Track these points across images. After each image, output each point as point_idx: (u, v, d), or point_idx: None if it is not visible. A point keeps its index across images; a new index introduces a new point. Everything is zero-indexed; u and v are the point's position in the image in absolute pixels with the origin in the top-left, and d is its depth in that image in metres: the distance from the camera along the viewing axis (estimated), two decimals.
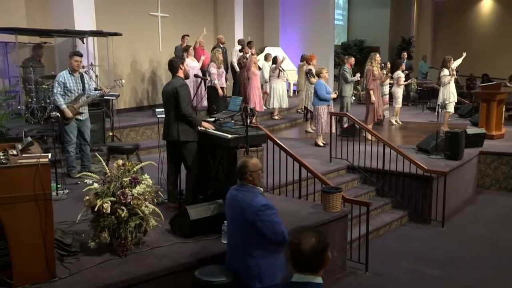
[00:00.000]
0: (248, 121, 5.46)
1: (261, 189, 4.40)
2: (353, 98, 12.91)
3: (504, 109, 11.66)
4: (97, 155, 5.06)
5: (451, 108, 11.62)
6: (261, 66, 13.31)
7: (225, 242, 4.93)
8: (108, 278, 4.19)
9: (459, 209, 8.60)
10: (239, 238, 4.16)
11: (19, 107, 9.12)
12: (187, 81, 6.04)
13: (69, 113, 7.18)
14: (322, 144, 10.00)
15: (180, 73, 5.86)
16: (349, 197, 6.42)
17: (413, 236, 7.43)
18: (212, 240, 5.04)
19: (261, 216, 3.98)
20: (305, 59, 12.03)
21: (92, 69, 10.30)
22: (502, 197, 9.34)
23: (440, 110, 10.64)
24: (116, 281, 4.17)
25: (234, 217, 4.21)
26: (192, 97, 6.34)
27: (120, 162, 4.79)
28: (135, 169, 4.75)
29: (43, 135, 8.33)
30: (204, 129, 5.85)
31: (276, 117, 12.98)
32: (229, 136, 5.49)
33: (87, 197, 4.63)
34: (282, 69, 12.96)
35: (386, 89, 12.84)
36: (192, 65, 10.86)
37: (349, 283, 5.79)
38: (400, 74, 13.12)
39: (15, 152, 4.41)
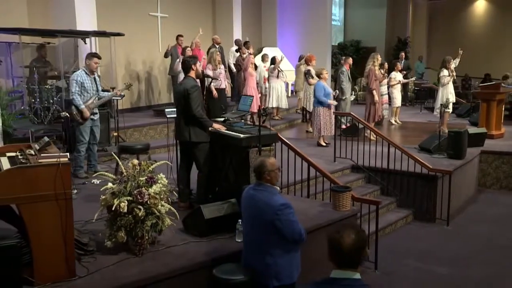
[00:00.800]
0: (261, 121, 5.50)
1: (278, 188, 4.45)
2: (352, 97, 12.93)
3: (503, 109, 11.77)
4: (113, 154, 5.05)
5: (449, 108, 11.71)
6: (257, 66, 13.30)
7: (240, 241, 4.98)
8: (127, 276, 4.22)
9: (462, 208, 8.68)
10: (257, 237, 4.20)
11: (22, 107, 9.11)
12: None
13: (87, 113, 7.23)
14: (324, 144, 10.04)
15: (192, 73, 5.87)
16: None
17: (419, 235, 7.50)
18: (226, 239, 5.08)
19: (279, 215, 4.03)
20: (304, 60, 12.07)
21: None
22: (504, 196, 9.45)
23: (443, 110, 10.71)
24: (135, 279, 4.19)
25: (252, 216, 4.24)
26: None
27: (136, 161, 4.82)
28: (150, 168, 4.78)
29: (50, 135, 8.33)
30: (215, 129, 5.88)
31: (276, 117, 13.01)
32: (242, 135, 5.52)
33: (103, 197, 4.65)
34: (281, 69, 13.00)
35: (385, 89, 12.88)
36: None
37: None
38: (394, 75, 13.16)
39: (32, 152, 4.43)
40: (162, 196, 4.68)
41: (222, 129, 5.88)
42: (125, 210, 4.46)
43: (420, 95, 17.79)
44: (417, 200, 8.12)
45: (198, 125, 5.79)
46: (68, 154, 4.27)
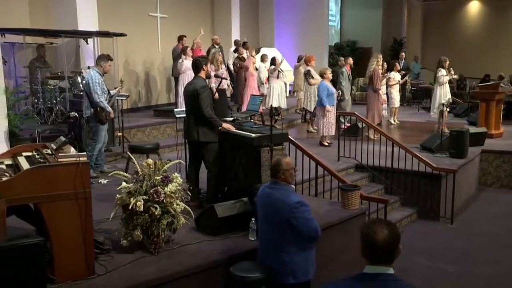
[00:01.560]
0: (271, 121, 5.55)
1: (293, 187, 4.49)
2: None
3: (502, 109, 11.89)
4: (129, 154, 5.08)
5: (447, 108, 11.82)
6: (257, 67, 13.35)
7: (253, 239, 5.03)
8: (145, 274, 4.25)
9: (464, 206, 8.78)
10: (273, 235, 4.24)
11: (25, 107, 9.10)
12: None
13: (113, 113, 7.30)
14: (326, 144, 10.10)
15: (202, 74, 5.91)
16: None
17: (424, 233, 7.58)
18: (239, 238, 5.11)
19: (295, 213, 4.07)
20: (304, 60, 12.14)
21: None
22: (504, 194, 9.55)
23: (444, 109, 10.80)
24: (153, 277, 4.22)
25: (268, 215, 4.28)
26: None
27: (150, 161, 4.85)
28: (165, 167, 4.81)
29: (56, 135, 8.33)
30: (225, 129, 5.91)
31: (276, 117, 13.02)
32: (253, 135, 5.56)
33: (118, 196, 4.67)
34: (281, 69, 13.04)
35: (383, 89, 12.98)
36: (189, 66, 10.81)
37: None
38: (391, 75, 13.23)
39: (49, 152, 4.45)
40: (177, 195, 4.71)
41: (232, 128, 5.92)
42: (141, 209, 4.48)
43: (417, 95, 17.93)
44: (421, 198, 8.20)
45: (207, 125, 5.82)
46: (86, 153, 4.30)
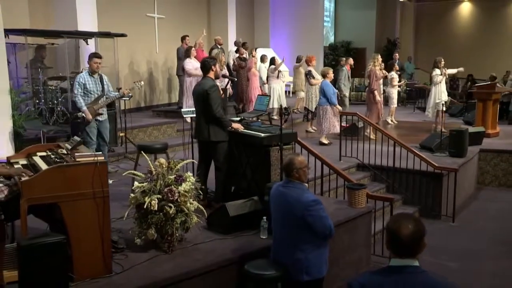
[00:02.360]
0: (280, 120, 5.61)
1: (306, 185, 4.55)
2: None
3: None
4: (143, 153, 5.11)
5: (442, 107, 11.93)
6: (257, 67, 13.43)
7: (264, 237, 5.09)
8: (162, 272, 4.31)
9: (464, 204, 8.89)
10: (287, 233, 4.30)
11: (27, 108, 9.09)
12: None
13: (88, 115, 7.20)
14: (327, 143, 10.18)
15: (211, 74, 5.97)
16: None
17: (427, 231, 7.64)
18: (251, 236, 5.17)
19: (311, 211, 4.13)
20: (305, 60, 12.21)
21: None
22: (502, 192, 9.68)
23: (442, 109, 10.92)
24: (170, 275, 4.28)
25: (282, 213, 4.34)
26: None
27: (163, 160, 4.90)
28: (178, 167, 4.86)
29: (60, 136, 8.35)
30: (233, 129, 5.96)
31: (275, 117, 13.10)
32: (262, 134, 5.63)
33: (132, 195, 4.72)
34: (281, 70, 13.11)
35: (380, 88, 13.10)
36: (195, 65, 10.88)
37: None
38: (394, 75, 13.39)
39: (64, 151, 4.48)
40: (190, 194, 4.76)
41: (241, 128, 5.98)
42: (156, 208, 4.53)
43: (412, 95, 18.08)
44: (423, 197, 8.30)
45: (217, 124, 5.87)
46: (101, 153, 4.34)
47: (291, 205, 4.23)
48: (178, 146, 8.15)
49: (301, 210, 4.15)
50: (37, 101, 9.33)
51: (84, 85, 7.25)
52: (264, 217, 5.07)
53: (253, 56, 12.19)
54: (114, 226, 5.22)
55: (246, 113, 6.86)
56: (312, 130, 11.72)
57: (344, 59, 12.21)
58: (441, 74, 11.67)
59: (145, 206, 4.52)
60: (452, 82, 20.32)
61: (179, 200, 4.62)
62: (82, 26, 10.18)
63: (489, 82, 12.54)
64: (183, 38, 12.10)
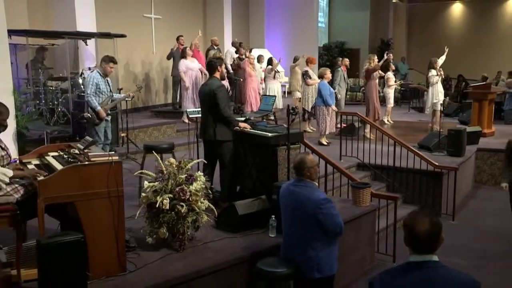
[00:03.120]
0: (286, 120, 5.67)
1: (316, 183, 4.62)
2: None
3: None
4: (154, 153, 5.14)
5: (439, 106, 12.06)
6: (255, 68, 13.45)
7: (273, 236, 5.15)
8: (174, 271, 4.35)
9: (463, 203, 9.01)
10: (298, 231, 4.36)
11: (28, 108, 9.10)
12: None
13: (103, 114, 7.29)
14: (325, 143, 10.24)
15: (217, 74, 6.02)
16: None
17: None
18: (260, 234, 5.23)
19: (322, 209, 4.20)
20: (306, 61, 12.27)
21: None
22: (499, 191, 9.63)
23: (442, 109, 11.04)
24: (182, 274, 4.32)
25: (293, 211, 4.40)
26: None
27: (173, 160, 4.94)
28: (188, 166, 4.90)
29: (63, 136, 8.37)
30: (240, 129, 6.02)
31: (271, 117, 13.15)
32: (270, 134, 5.68)
33: (143, 194, 4.76)
34: (278, 70, 13.16)
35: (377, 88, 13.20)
36: (191, 66, 10.91)
37: None
38: (390, 75, 13.49)
39: (76, 151, 4.51)
40: (201, 194, 4.81)
41: (248, 128, 6.03)
42: (167, 207, 4.58)
43: (406, 95, 18.23)
44: (423, 196, 8.40)
45: (223, 124, 5.92)
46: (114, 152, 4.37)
47: (302, 204, 4.29)
48: (179, 146, 8.18)
49: (312, 208, 4.22)
50: (38, 102, 9.32)
51: (97, 85, 7.32)
52: (273, 216, 5.12)
53: (247, 57, 12.21)
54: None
55: (251, 113, 6.89)
56: (309, 130, 11.79)
57: (340, 59, 12.27)
58: (437, 75, 11.79)
59: (157, 205, 4.56)
60: (445, 82, 20.50)
61: (190, 199, 4.67)
62: (81, 27, 10.17)
63: (482, 83, 12.67)
64: (177, 39, 12.10)
